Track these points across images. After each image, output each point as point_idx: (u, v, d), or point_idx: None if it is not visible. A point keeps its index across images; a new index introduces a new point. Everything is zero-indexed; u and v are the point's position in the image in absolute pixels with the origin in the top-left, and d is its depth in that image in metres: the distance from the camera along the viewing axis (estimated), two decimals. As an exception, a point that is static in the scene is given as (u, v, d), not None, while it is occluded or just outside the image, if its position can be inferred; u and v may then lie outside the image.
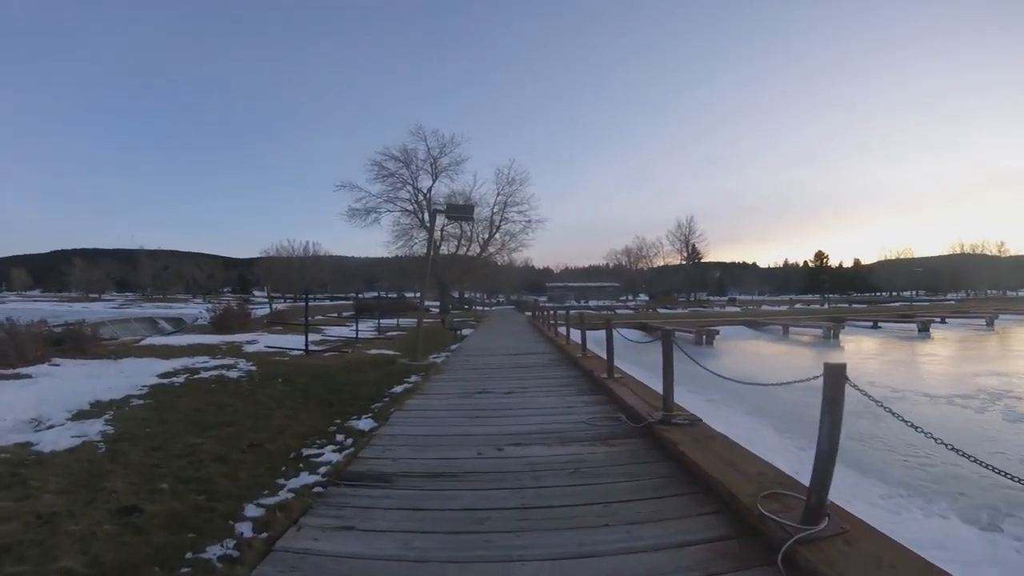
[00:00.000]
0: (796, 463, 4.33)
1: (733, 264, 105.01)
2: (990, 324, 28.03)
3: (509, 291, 70.81)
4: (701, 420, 3.93)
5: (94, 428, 4.36)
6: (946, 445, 1.93)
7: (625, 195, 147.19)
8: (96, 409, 5.10)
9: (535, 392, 6.06)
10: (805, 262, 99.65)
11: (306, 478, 3.16)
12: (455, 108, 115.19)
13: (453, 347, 12.54)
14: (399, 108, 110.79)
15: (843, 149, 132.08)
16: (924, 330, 24.42)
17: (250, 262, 79.98)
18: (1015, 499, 4.47)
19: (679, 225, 73.33)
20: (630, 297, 73.99)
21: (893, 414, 2.10)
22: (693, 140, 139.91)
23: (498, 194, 37.35)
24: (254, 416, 4.97)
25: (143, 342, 11.92)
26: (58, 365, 7.79)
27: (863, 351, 18.49)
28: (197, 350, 10.19)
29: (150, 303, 42.10)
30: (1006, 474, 1.77)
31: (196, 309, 25.49)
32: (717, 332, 21.16)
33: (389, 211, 35.81)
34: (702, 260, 76.12)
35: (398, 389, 6.40)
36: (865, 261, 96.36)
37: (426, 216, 34.37)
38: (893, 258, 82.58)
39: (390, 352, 11.01)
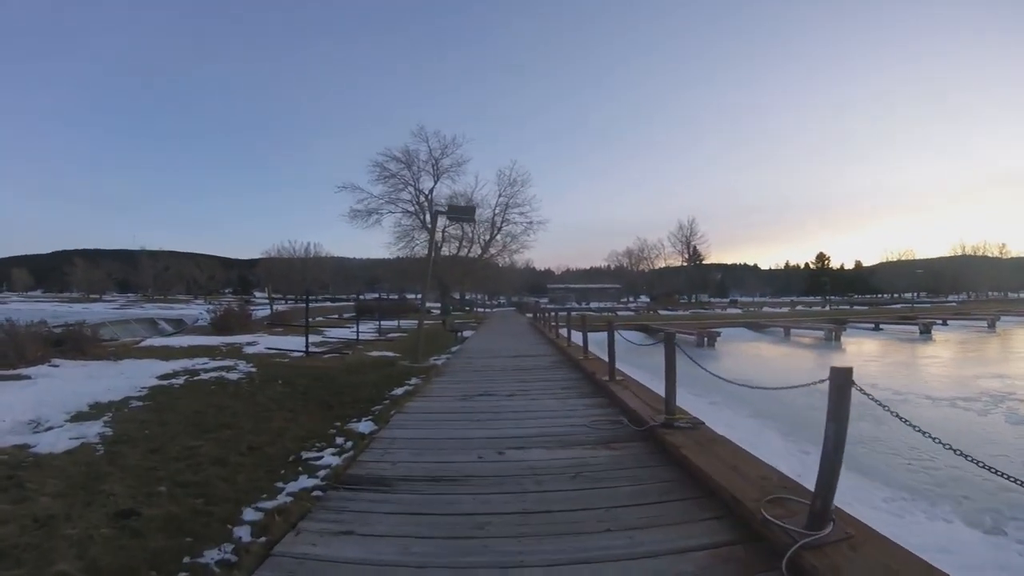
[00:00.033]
0: (799, 466, 4.32)
1: (734, 266, 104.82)
2: (992, 326, 27.99)
3: (510, 293, 70.85)
4: (704, 423, 3.90)
5: (93, 430, 4.35)
6: (956, 451, 1.91)
7: (626, 196, 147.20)
8: (95, 411, 5.08)
9: (536, 395, 6.03)
10: (806, 264, 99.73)
11: (305, 482, 3.13)
12: (456, 109, 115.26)
13: (454, 349, 12.53)
14: (400, 109, 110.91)
15: (844, 150, 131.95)
16: (926, 332, 24.37)
17: (251, 263, 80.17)
18: (1018, 502, 4.44)
19: (680, 226, 73.31)
20: (631, 299, 73.88)
21: (901, 419, 2.08)
22: (694, 141, 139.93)
23: (500, 195, 37.53)
24: (253, 418, 4.96)
25: (143, 343, 11.91)
26: (58, 366, 7.78)
27: (865, 353, 18.45)
28: (197, 351, 10.18)
29: (151, 304, 42.14)
30: (1009, 477, 1.75)
31: (197, 310, 25.52)
32: (718, 334, 21.14)
33: (391, 212, 36.02)
34: (703, 262, 75.99)
35: (398, 391, 6.38)
36: (866, 263, 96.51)
37: (427, 217, 34.49)
38: (894, 260, 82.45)
39: (391, 354, 10.99)
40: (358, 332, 16.02)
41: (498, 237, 38.75)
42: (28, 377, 6.79)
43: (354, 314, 24.46)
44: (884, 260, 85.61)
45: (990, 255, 76.91)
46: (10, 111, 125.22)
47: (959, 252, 77.63)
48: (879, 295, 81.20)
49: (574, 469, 3.30)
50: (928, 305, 52.72)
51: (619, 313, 38.08)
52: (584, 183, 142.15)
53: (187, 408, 5.32)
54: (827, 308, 49.95)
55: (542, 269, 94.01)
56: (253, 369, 8.15)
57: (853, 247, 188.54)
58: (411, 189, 35.95)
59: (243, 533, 2.46)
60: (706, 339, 20.18)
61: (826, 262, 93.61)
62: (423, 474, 3.26)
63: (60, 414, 4.84)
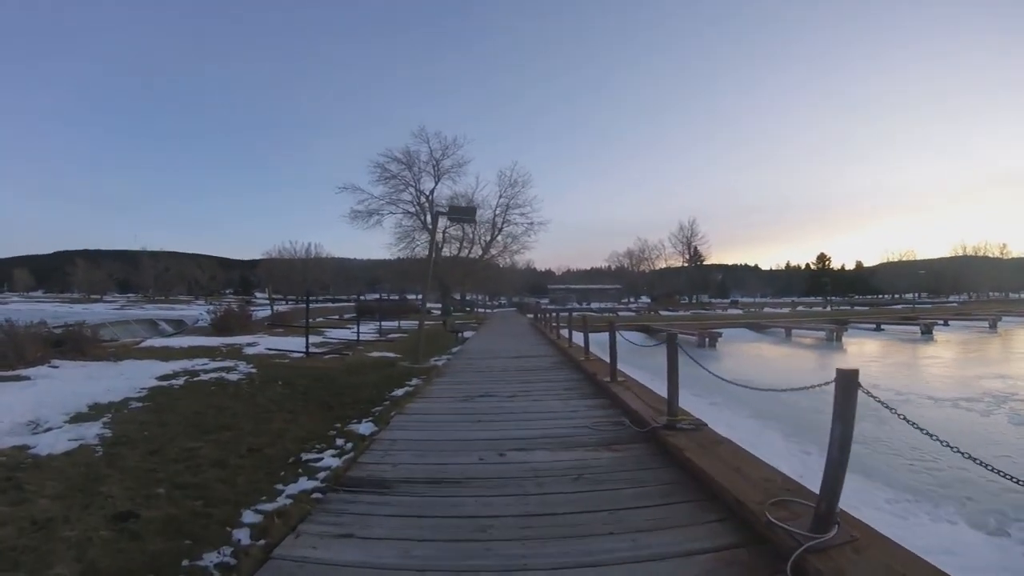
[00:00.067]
0: (800, 467, 4.29)
1: (735, 266, 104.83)
2: (993, 326, 27.96)
3: (511, 293, 70.88)
4: (706, 424, 3.88)
5: (92, 431, 4.33)
6: (968, 456, 1.88)
7: (627, 197, 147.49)
8: (94, 412, 5.07)
9: (538, 396, 6.01)
10: (807, 264, 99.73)
11: (305, 484, 3.11)
12: (457, 109, 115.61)
13: (455, 349, 12.50)
14: (400, 109, 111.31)
15: (844, 151, 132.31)
16: (927, 332, 24.33)
17: (252, 263, 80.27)
18: (1022, 503, 4.41)
19: (681, 227, 73.40)
20: (632, 299, 73.86)
21: (909, 422, 2.05)
22: (694, 142, 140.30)
23: (500, 196, 37.46)
24: (253, 419, 4.94)
25: (143, 344, 11.90)
26: (57, 367, 7.77)
27: (866, 354, 18.41)
28: (197, 352, 10.17)
29: (152, 304, 42.21)
30: (1013, 478, 1.74)
31: (197, 311, 25.54)
32: (720, 335, 21.12)
33: (391, 213, 35.96)
34: (704, 262, 76.03)
35: (399, 392, 6.36)
36: (867, 263, 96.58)
37: (428, 218, 34.46)
38: (895, 260, 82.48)
39: (391, 354, 10.98)
40: (359, 333, 16.01)
41: (499, 238, 38.72)
42: (27, 378, 6.78)
43: (355, 315, 24.46)
44: (885, 261, 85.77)
45: (991, 255, 76.89)
46: (10, 111, 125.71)
47: (960, 252, 77.60)
48: (880, 295, 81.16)
49: (576, 471, 3.27)
50: (929, 305, 52.64)
51: (620, 314, 38.03)
52: (584, 183, 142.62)
53: (187, 409, 5.30)
54: (828, 309, 49.92)
55: (543, 270, 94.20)
56: (253, 370, 8.13)
57: (854, 247, 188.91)
58: (412, 190, 35.93)
59: (242, 536, 2.44)
60: (707, 340, 20.15)
61: (827, 263, 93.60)
62: (424, 476, 3.24)
63: (59, 415, 4.82)
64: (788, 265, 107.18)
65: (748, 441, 3.74)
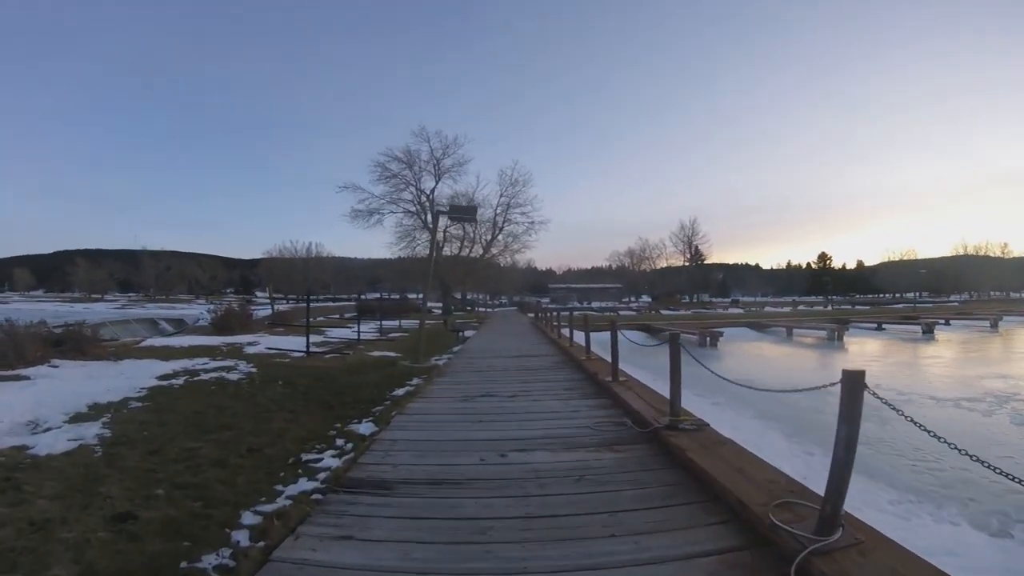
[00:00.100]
0: (803, 468, 4.27)
1: (736, 265, 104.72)
2: (994, 326, 27.92)
3: (512, 292, 70.90)
4: (708, 425, 3.85)
5: (91, 431, 4.32)
6: (976, 459, 1.86)
7: (627, 196, 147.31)
8: (94, 412, 5.05)
9: (539, 396, 5.99)
10: (808, 264, 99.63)
11: (305, 484, 3.09)
12: (457, 109, 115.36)
13: (455, 349, 12.49)
14: (401, 109, 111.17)
15: (844, 151, 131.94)
16: (928, 332, 24.28)
17: (253, 263, 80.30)
18: (1026, 504, 4.40)
19: (682, 226, 73.39)
20: (633, 298, 73.84)
21: (916, 424, 2.03)
22: (695, 141, 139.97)
23: (501, 195, 37.49)
24: (254, 419, 4.92)
25: (143, 343, 11.89)
26: (57, 366, 7.76)
27: (867, 353, 18.38)
28: (197, 351, 10.16)
29: (153, 304, 42.20)
30: (1016, 479, 1.72)
31: (198, 310, 25.53)
32: (721, 334, 21.10)
33: (392, 212, 36.02)
34: (705, 261, 76.04)
35: (399, 392, 6.35)
36: (868, 263, 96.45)
37: (429, 217, 34.49)
38: (896, 260, 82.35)
39: (392, 354, 10.96)
40: (359, 332, 16.01)
41: (500, 237, 38.76)
42: (27, 378, 6.77)
43: (355, 314, 24.51)
44: (886, 260, 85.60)
45: (992, 255, 76.77)
46: (10, 111, 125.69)
47: (961, 252, 77.49)
48: (881, 295, 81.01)
49: (578, 472, 3.25)
50: (930, 305, 52.55)
51: (621, 313, 38.02)
52: (585, 183, 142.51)
53: (187, 409, 5.29)
54: (829, 308, 49.84)
55: (543, 269, 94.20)
56: (253, 369, 8.12)
57: (854, 247, 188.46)
58: (412, 189, 35.98)
59: (241, 537, 2.42)
60: (708, 339, 20.14)
61: (828, 262, 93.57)
62: (424, 477, 3.22)
63: (59, 415, 4.81)
64: (789, 264, 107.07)
65: (751, 442, 3.71)
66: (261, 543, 2.35)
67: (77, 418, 4.79)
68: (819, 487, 2.35)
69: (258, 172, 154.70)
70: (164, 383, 6.71)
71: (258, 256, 76.58)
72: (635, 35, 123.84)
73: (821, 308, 49.12)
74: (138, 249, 69.50)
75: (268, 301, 33.44)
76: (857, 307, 52.88)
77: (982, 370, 13.17)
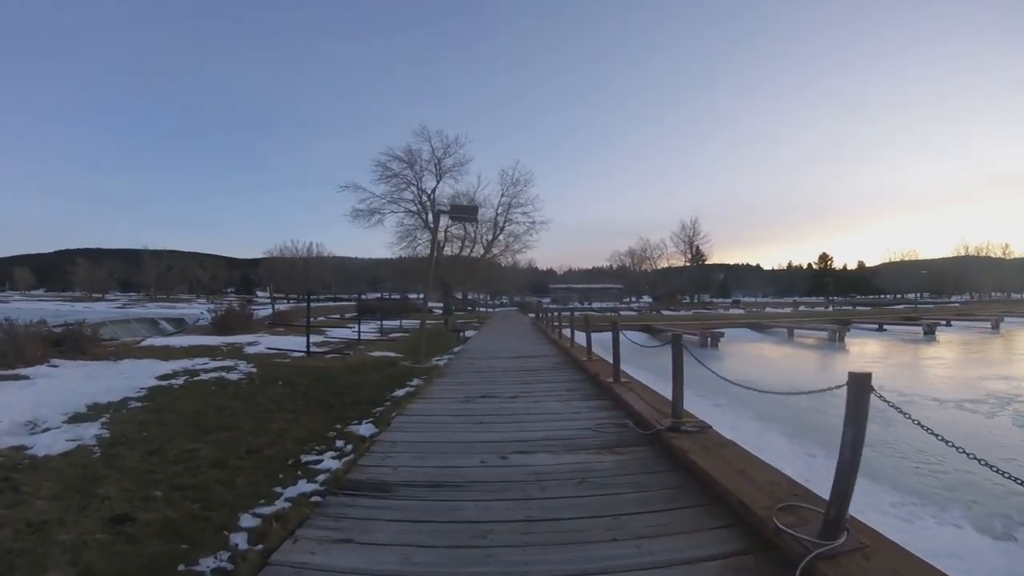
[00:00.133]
0: (805, 470, 4.25)
1: (737, 266, 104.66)
2: (995, 327, 27.85)
3: (512, 292, 70.90)
4: (711, 427, 3.83)
5: (90, 431, 4.29)
6: (983, 462, 1.84)
7: (628, 196, 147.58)
8: (93, 412, 5.03)
9: (540, 397, 5.96)
10: (809, 264, 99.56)
11: (304, 486, 3.07)
12: (458, 109, 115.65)
13: (456, 349, 12.47)
14: (401, 109, 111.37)
15: (845, 150, 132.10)
16: (930, 333, 24.22)
17: (254, 263, 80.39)
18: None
19: (683, 227, 73.27)
20: (633, 299, 73.78)
21: (923, 427, 2.00)
22: (696, 142, 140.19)
23: (502, 195, 37.41)
24: (253, 419, 4.90)
25: (143, 343, 11.87)
26: (57, 366, 7.74)
27: (869, 354, 18.34)
28: (197, 351, 10.13)
29: (153, 303, 42.23)
30: (1019, 481, 1.70)
31: (198, 310, 25.54)
32: (722, 335, 21.06)
33: (393, 212, 35.96)
34: (706, 262, 75.89)
35: (400, 392, 6.32)
36: (869, 263, 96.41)
37: (430, 217, 34.44)
38: (897, 260, 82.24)
39: (392, 354, 10.94)
40: (360, 332, 15.98)
41: (501, 237, 38.66)
42: (27, 377, 6.74)
43: (356, 314, 24.48)
44: (887, 261, 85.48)
45: (993, 256, 76.61)
46: (10, 111, 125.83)
47: (962, 252, 77.36)
48: (882, 296, 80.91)
49: (579, 474, 3.23)
50: (931, 306, 52.47)
51: (621, 313, 38.00)
52: (586, 183, 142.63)
53: (186, 409, 5.26)
54: (830, 309, 49.79)
55: (544, 269, 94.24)
56: (253, 369, 8.10)
57: (855, 247, 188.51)
58: (413, 189, 35.91)
59: (240, 540, 2.40)
60: (709, 340, 20.10)
61: (829, 262, 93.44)
62: (425, 479, 3.20)
63: (58, 415, 4.79)
64: (790, 265, 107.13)
65: (752, 443, 3.69)
66: (259, 546, 2.33)
67: (76, 418, 4.76)
68: (821, 489, 2.33)
69: (259, 172, 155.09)
70: (164, 383, 6.68)
71: (259, 256, 76.73)
72: (636, 35, 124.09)
73: (822, 309, 49.06)
74: (139, 248, 69.69)
75: (269, 301, 33.45)
76: (858, 308, 52.77)
77: (984, 371, 13.13)
